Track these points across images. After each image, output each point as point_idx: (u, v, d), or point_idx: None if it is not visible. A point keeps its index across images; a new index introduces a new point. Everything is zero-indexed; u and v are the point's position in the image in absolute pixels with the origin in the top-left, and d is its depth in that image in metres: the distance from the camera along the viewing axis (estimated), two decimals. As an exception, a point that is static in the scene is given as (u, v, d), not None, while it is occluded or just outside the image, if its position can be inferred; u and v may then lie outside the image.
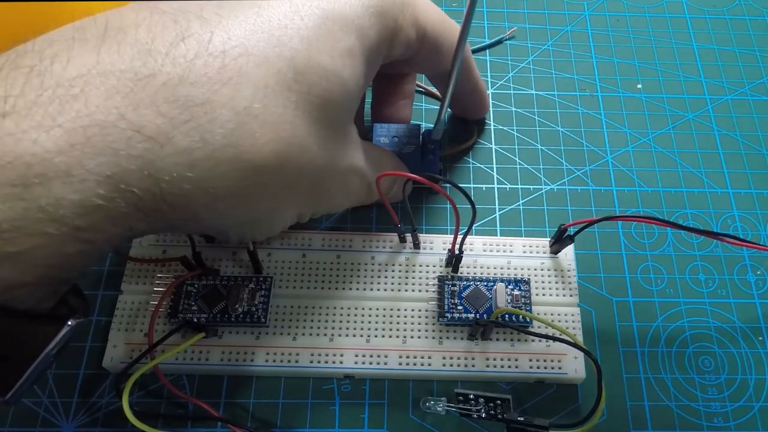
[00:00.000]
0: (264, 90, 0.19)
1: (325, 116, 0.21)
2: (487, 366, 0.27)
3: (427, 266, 0.29)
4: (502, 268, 0.29)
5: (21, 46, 0.18)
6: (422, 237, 0.29)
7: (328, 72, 0.20)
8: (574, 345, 0.24)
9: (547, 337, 0.26)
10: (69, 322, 0.19)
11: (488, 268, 0.29)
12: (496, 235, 0.31)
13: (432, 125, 0.30)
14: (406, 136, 0.31)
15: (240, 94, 0.18)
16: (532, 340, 0.27)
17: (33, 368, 0.18)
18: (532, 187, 0.33)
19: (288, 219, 0.24)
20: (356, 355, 0.27)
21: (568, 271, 0.29)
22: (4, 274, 0.16)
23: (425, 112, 0.36)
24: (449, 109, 0.34)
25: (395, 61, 0.25)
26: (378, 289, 0.28)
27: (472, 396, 0.25)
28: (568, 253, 0.29)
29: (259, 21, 0.19)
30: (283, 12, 0.19)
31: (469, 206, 0.25)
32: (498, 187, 0.33)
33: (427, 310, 0.28)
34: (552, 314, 0.28)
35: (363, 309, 0.28)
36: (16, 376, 0.18)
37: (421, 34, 0.25)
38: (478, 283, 0.28)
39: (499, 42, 0.38)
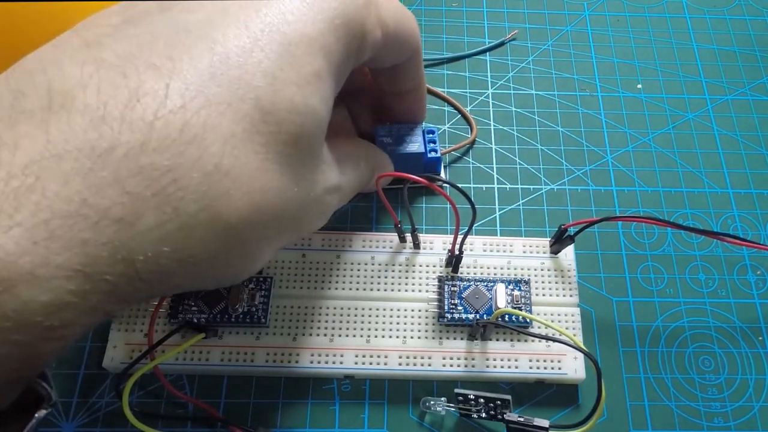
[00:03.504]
0: (231, 141, 0.17)
1: (298, 150, 0.19)
2: (487, 366, 0.27)
3: (427, 266, 0.29)
4: (502, 269, 0.29)
5: None
6: (422, 237, 0.29)
7: (296, 104, 0.19)
8: (574, 346, 0.24)
9: (546, 338, 0.26)
10: (37, 415, 0.17)
11: (488, 268, 0.29)
12: (496, 235, 0.31)
13: (432, 125, 0.30)
14: (409, 136, 0.30)
15: (207, 151, 0.17)
16: (532, 341, 0.27)
17: None
18: (532, 187, 0.33)
19: (269, 257, 0.22)
20: (356, 356, 0.27)
21: (568, 271, 0.29)
22: None
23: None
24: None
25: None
26: (378, 289, 0.28)
27: (472, 396, 0.25)
28: (568, 253, 0.29)
29: (216, 60, 0.17)
30: (240, 45, 0.18)
31: (469, 206, 0.25)
32: (498, 187, 0.33)
33: (427, 311, 0.28)
34: (552, 314, 0.28)
35: (363, 309, 0.28)
36: None
37: (385, 30, 0.23)
38: (478, 283, 0.28)
39: (501, 44, 0.38)
